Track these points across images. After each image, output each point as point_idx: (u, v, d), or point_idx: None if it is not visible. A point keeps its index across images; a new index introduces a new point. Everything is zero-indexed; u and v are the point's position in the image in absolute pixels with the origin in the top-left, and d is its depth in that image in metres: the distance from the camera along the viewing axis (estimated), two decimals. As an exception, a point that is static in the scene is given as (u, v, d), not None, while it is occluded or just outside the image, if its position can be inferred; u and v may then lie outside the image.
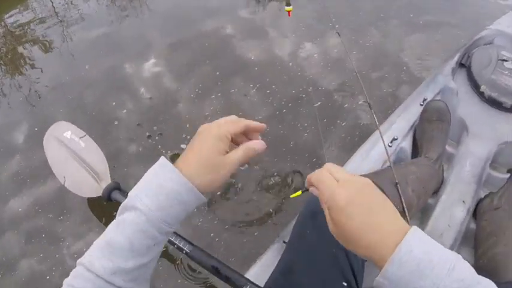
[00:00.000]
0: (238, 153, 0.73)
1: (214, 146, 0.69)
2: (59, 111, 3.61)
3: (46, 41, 5.08)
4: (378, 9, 4.77)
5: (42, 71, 4.46)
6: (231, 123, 0.74)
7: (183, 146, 2.97)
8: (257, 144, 0.76)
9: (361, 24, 4.43)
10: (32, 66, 4.59)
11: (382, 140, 1.60)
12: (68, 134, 2.32)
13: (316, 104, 3.15)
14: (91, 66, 4.28)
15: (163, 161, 0.73)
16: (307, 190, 0.74)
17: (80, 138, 2.32)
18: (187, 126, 3.14)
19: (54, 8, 6.22)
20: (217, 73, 3.75)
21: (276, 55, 3.99)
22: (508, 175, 1.85)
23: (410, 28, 4.39)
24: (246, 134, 0.80)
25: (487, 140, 2.04)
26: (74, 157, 2.24)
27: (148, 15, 5.35)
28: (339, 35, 2.17)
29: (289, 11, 2.28)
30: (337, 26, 2.84)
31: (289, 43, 4.18)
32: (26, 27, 5.62)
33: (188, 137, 3.02)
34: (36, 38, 5.27)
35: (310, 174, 0.74)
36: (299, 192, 0.79)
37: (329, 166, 0.73)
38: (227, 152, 0.73)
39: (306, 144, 2.78)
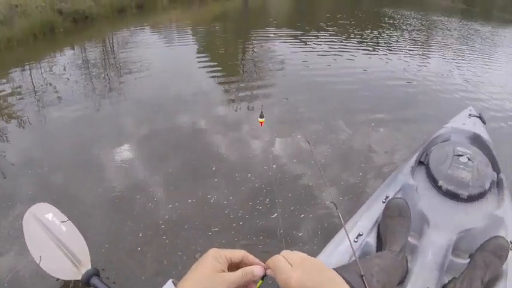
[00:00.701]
0: (236, 274, 0.75)
1: (211, 265, 0.72)
2: (24, 188, 3.50)
3: (21, 116, 5.11)
4: (343, 109, 5.39)
5: (11, 145, 4.39)
6: (231, 251, 0.78)
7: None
8: (256, 268, 0.77)
9: (328, 124, 4.88)
10: (3, 140, 4.53)
11: (348, 238, 1.68)
12: (49, 216, 2.33)
13: (279, 200, 3.25)
14: (63, 147, 4.29)
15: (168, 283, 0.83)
16: (266, 275, 0.77)
17: (62, 222, 2.33)
18: (161, 223, 3.08)
19: (33, 85, 6.50)
20: (189, 166, 3.81)
21: (246, 151, 4.13)
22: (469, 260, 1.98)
23: (376, 125, 4.88)
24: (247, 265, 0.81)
25: (447, 230, 2.17)
26: (53, 240, 2.24)
27: (125, 104, 5.62)
28: (309, 143, 2.40)
29: (261, 122, 2.55)
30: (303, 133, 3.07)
31: (259, 140, 4.41)
32: (2, 100, 5.75)
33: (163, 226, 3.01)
34: (11, 112, 5.33)
35: (268, 260, 0.77)
36: (260, 282, 0.83)
37: (284, 252, 0.76)
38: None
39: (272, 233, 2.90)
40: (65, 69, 7.29)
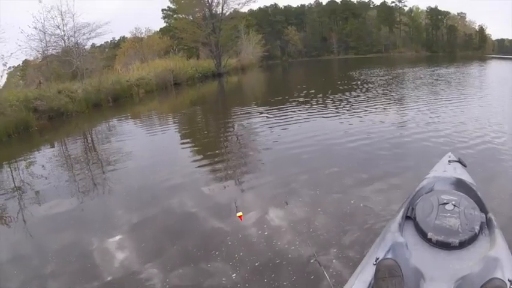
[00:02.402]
0: None
1: None
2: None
3: (4, 216, 5.00)
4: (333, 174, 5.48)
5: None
6: None
7: None
8: None
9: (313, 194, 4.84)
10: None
11: None
12: None
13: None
14: (51, 242, 4.16)
15: None
16: None
17: None
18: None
19: (14, 183, 6.44)
20: (184, 254, 3.73)
21: (241, 230, 4.06)
22: None
23: (367, 183, 4.94)
24: None
25: (444, 281, 2.19)
26: None
27: (111, 194, 5.53)
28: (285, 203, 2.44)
29: (240, 216, 2.93)
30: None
31: (251, 217, 4.29)
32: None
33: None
34: None
35: None
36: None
37: None
38: None
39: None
40: (43, 166, 7.27)
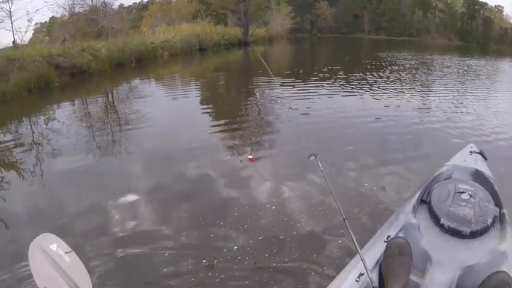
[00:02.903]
0: None
1: None
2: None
3: (26, 168, 5.03)
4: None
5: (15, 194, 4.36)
6: None
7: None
8: None
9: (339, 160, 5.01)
10: (5, 189, 4.50)
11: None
12: (54, 247, 2.38)
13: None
14: (66, 197, 4.23)
15: None
16: None
17: (66, 253, 2.39)
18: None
19: (33, 137, 6.44)
20: (197, 216, 3.76)
21: (255, 197, 4.15)
22: None
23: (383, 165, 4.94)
24: None
25: (450, 268, 2.21)
26: (57, 270, 2.27)
27: (128, 153, 5.55)
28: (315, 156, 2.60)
29: (250, 159, 3.03)
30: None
31: (264, 187, 4.39)
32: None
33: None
34: (14, 164, 5.29)
35: None
36: None
37: None
38: None
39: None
40: (62, 122, 7.27)
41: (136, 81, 12.82)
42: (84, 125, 7.28)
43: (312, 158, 3.01)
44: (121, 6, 29.02)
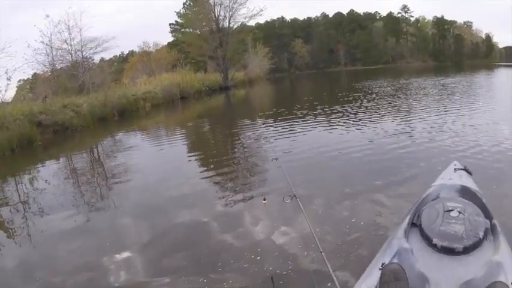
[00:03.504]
0: None
1: None
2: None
3: (11, 228, 4.98)
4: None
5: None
6: None
7: None
8: None
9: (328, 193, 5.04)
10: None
11: None
12: None
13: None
14: (57, 256, 4.13)
15: None
16: None
17: None
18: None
19: (19, 196, 6.31)
20: (193, 262, 3.72)
21: (249, 241, 4.08)
22: None
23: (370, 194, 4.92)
24: None
25: (448, 286, 2.22)
26: None
27: (118, 208, 5.41)
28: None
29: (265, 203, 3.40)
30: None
31: (259, 227, 4.36)
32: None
33: None
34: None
35: None
36: None
37: None
38: None
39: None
40: (47, 181, 7.13)
41: (120, 135, 12.81)
42: (70, 182, 7.18)
43: (288, 200, 3.21)
44: (102, 59, 29.39)
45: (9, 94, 16.35)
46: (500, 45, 77.70)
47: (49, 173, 7.84)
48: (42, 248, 4.38)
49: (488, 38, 76.60)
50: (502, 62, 58.64)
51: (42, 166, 8.72)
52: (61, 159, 9.63)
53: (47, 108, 12.65)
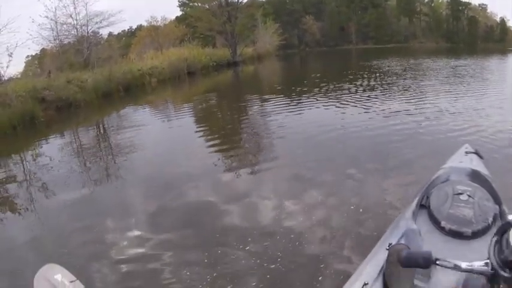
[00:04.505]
0: None
1: None
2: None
3: (19, 203, 5.01)
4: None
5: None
6: None
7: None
8: None
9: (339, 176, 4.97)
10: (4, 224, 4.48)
11: None
12: (58, 277, 2.45)
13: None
14: (69, 229, 4.16)
15: None
16: None
17: (71, 282, 2.43)
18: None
19: (24, 173, 6.31)
20: (201, 239, 3.75)
21: (257, 218, 4.12)
22: None
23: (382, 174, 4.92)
24: None
25: (454, 270, 2.14)
26: None
27: (124, 183, 5.43)
28: None
29: None
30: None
31: (266, 205, 4.37)
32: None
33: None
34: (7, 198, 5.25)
35: None
36: None
37: None
38: None
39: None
40: (51, 158, 7.02)
41: (125, 110, 12.71)
42: (75, 158, 7.15)
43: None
44: (110, 34, 29.10)
45: (17, 70, 16.21)
46: None
47: (53, 150, 7.77)
48: (50, 221, 4.42)
49: (502, 21, 75.05)
50: None
51: (46, 143, 8.64)
52: (65, 135, 9.54)
53: (50, 83, 12.48)
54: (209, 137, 7.74)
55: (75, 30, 19.60)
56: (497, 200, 2.69)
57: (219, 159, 6.14)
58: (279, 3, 68.92)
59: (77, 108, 12.49)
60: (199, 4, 38.09)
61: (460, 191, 2.67)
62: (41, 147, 8.23)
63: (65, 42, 20.22)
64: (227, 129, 8.52)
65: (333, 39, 71.38)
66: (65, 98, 12.06)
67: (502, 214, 2.58)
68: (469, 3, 75.32)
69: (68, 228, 4.19)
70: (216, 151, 6.55)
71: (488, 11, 77.50)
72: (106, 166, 6.45)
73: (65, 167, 6.36)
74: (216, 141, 7.26)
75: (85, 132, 9.78)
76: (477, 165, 3.27)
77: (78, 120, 11.48)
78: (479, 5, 76.84)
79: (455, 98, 9.93)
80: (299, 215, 4.09)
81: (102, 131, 9.87)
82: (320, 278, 3.05)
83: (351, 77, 16.04)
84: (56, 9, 19.05)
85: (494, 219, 2.51)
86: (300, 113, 9.11)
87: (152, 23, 38.68)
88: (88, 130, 10.03)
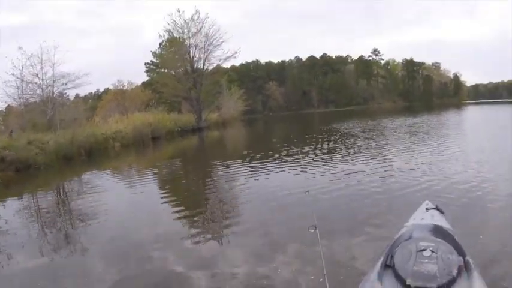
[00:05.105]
0: None
1: None
2: None
3: None
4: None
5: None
6: None
7: None
8: None
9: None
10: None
11: None
12: None
13: None
14: None
15: None
16: None
17: None
18: None
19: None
20: None
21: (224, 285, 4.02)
22: None
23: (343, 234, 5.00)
24: None
25: None
26: None
27: (86, 253, 5.19)
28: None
29: None
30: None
31: (233, 272, 4.27)
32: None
33: None
34: None
35: None
36: None
37: None
38: None
39: None
40: (6, 222, 6.76)
41: (87, 175, 12.53)
42: (33, 222, 6.89)
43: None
44: (77, 96, 29.14)
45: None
46: (468, 84, 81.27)
47: (10, 213, 7.51)
48: None
49: (456, 77, 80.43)
50: (470, 99, 61.18)
51: (3, 205, 8.42)
52: (24, 198, 9.28)
53: (11, 143, 12.31)
54: (174, 203, 7.68)
55: (41, 90, 19.61)
56: (461, 252, 2.75)
57: (184, 225, 6.08)
58: (243, 70, 71.44)
59: (36, 171, 12.28)
60: (166, 70, 39.07)
61: (423, 247, 2.71)
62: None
63: (31, 101, 20.11)
64: (192, 194, 8.47)
65: (295, 103, 73.80)
66: (25, 159, 11.91)
67: (467, 265, 2.64)
68: (423, 63, 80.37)
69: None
70: (180, 217, 6.47)
71: (442, 68, 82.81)
72: (66, 232, 6.23)
73: (23, 231, 6.15)
74: (181, 207, 7.19)
75: (44, 195, 9.56)
76: (438, 220, 3.39)
77: (38, 183, 11.21)
78: (432, 63, 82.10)
79: (416, 155, 10.44)
80: (265, 280, 4.04)
81: (62, 196, 9.68)
82: None
83: (313, 140, 16.63)
84: (23, 67, 19.14)
85: (459, 271, 2.55)
86: (263, 177, 9.24)
87: (119, 87, 39.17)
88: (48, 194, 9.82)
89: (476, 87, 79.48)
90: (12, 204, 8.60)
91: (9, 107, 22.44)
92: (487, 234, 4.64)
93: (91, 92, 49.68)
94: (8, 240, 5.81)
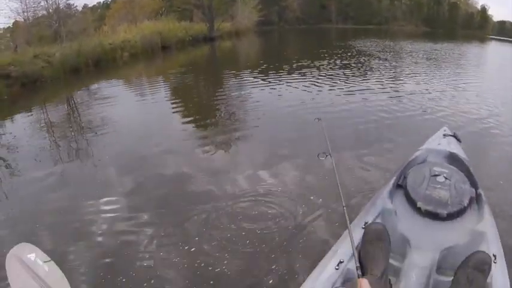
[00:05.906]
0: None
1: None
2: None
3: None
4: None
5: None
6: None
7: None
8: None
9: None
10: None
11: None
12: (32, 256, 2.39)
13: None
14: (43, 208, 4.11)
15: None
16: None
17: (44, 262, 2.39)
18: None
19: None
20: (179, 216, 3.76)
21: (232, 192, 4.18)
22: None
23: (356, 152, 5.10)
24: None
25: (429, 250, 2.28)
26: (36, 280, 2.26)
27: (98, 162, 5.34)
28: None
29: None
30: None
31: (242, 180, 4.44)
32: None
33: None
34: None
35: None
36: None
37: None
38: None
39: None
40: (15, 137, 6.81)
41: (95, 86, 12.39)
42: (45, 135, 6.94)
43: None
44: (85, 6, 28.15)
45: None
46: (495, 19, 76.61)
47: (20, 128, 7.55)
48: (23, 200, 4.33)
49: (483, 9, 75.74)
50: (495, 35, 58.42)
51: (12, 121, 8.38)
52: (33, 112, 9.21)
53: (16, 58, 11.98)
54: (184, 114, 7.73)
55: (45, 1, 18.85)
56: (473, 184, 2.78)
57: (194, 134, 6.22)
58: (259, -23, 67.75)
59: (43, 84, 12.07)
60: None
61: (437, 173, 2.74)
62: (6, 126, 7.92)
63: (36, 14, 19.44)
64: (203, 105, 8.51)
65: (313, 17, 70.54)
66: (31, 74, 11.67)
67: (478, 198, 2.69)
68: (451, -11, 75.48)
69: (40, 207, 4.12)
70: (191, 127, 6.62)
71: (470, -2, 77.83)
72: (77, 143, 6.35)
73: (35, 144, 6.21)
74: (192, 117, 7.29)
75: (53, 108, 9.51)
76: (455, 148, 3.36)
77: (46, 96, 11.13)
78: (460, -9, 77.07)
79: (437, 82, 10.24)
80: (276, 190, 4.15)
81: (72, 107, 9.62)
82: (295, 254, 3.08)
83: (330, 58, 16.04)
84: (25, -22, 18.20)
85: (470, 202, 2.61)
86: (276, 90, 9.22)
87: (128, -6, 37.55)
88: (57, 107, 9.75)
89: (502, 23, 74.19)
90: (21, 119, 8.58)
91: (16, 23, 21.79)
92: (501, 170, 4.61)
93: (99, 1, 47.80)
94: (20, 153, 5.90)
